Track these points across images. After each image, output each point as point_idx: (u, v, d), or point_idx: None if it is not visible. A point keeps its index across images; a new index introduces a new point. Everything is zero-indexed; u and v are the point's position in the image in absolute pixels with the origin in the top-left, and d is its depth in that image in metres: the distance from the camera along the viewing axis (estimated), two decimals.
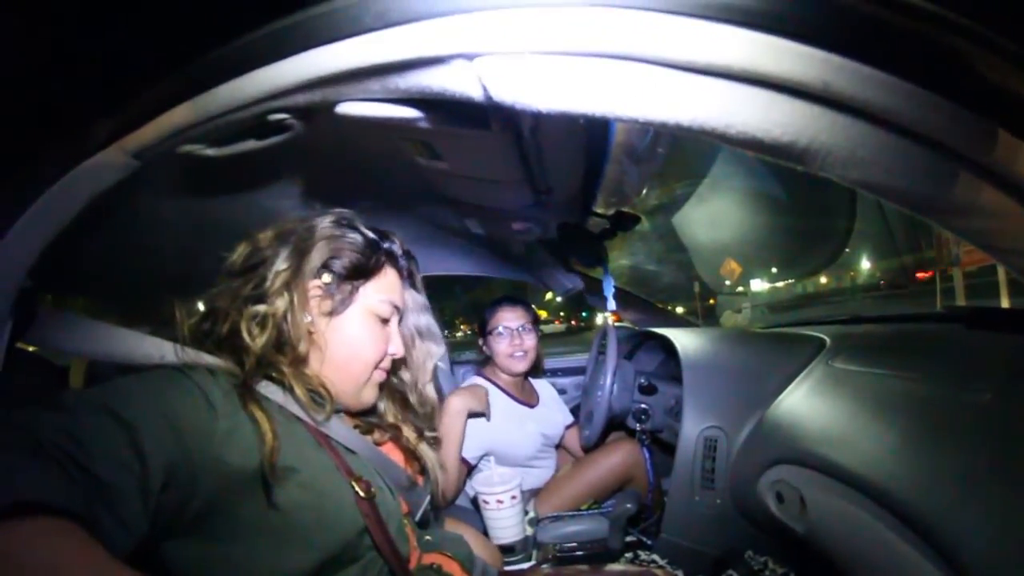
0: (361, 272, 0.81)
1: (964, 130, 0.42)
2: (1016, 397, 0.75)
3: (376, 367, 0.83)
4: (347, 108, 0.64)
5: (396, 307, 0.86)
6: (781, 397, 1.20)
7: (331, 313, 0.79)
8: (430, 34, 0.47)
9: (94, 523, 0.48)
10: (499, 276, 2.15)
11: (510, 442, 1.66)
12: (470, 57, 0.46)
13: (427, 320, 0.97)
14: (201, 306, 0.78)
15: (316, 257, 0.77)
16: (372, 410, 0.89)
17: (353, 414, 0.87)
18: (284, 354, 0.74)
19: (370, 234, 0.84)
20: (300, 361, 0.76)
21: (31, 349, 0.98)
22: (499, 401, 1.69)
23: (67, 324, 0.82)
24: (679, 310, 4.05)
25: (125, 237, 0.99)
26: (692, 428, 1.30)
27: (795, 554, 1.14)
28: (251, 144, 0.81)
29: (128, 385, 0.61)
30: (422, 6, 0.46)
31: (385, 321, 0.84)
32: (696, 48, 0.40)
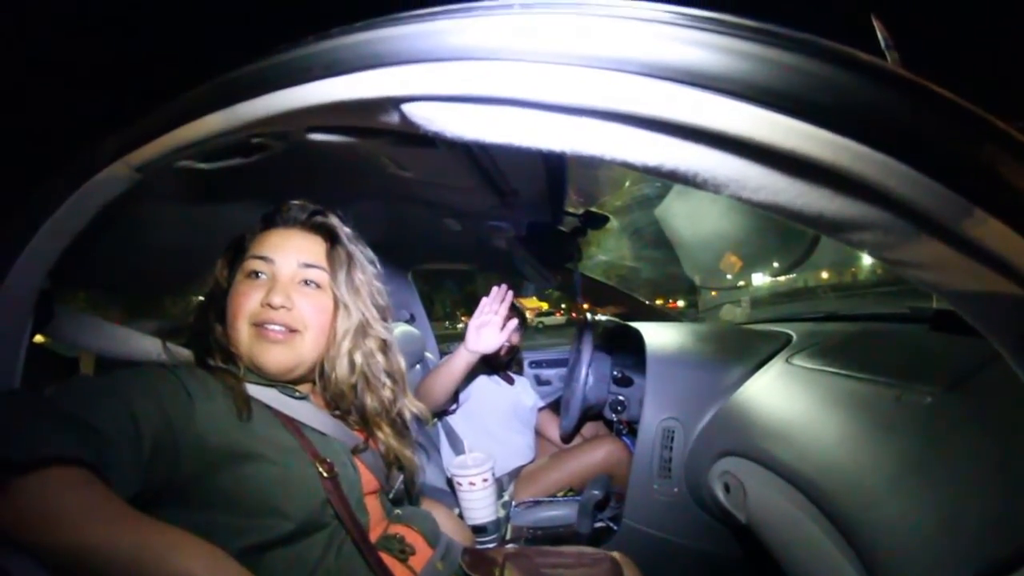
0: (239, 248, 0.92)
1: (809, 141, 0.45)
2: (955, 401, 0.79)
3: (250, 320, 0.85)
4: (314, 135, 0.74)
5: (263, 257, 0.87)
6: (738, 391, 1.25)
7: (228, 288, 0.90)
8: (366, 82, 0.56)
9: (101, 471, 0.62)
10: (485, 270, 2.25)
11: (485, 394, 1.83)
12: (396, 102, 0.56)
13: (357, 280, 0.94)
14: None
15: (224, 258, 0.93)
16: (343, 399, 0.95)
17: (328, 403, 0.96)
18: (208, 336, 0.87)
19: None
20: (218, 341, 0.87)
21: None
22: (482, 369, 1.86)
23: (81, 323, 0.93)
24: (680, 303, 4.06)
25: (128, 241, 1.10)
26: (651, 418, 1.37)
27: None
28: (238, 160, 0.91)
29: (126, 375, 0.75)
30: (359, 59, 0.55)
31: (255, 274, 0.87)
32: (564, 91, 0.48)
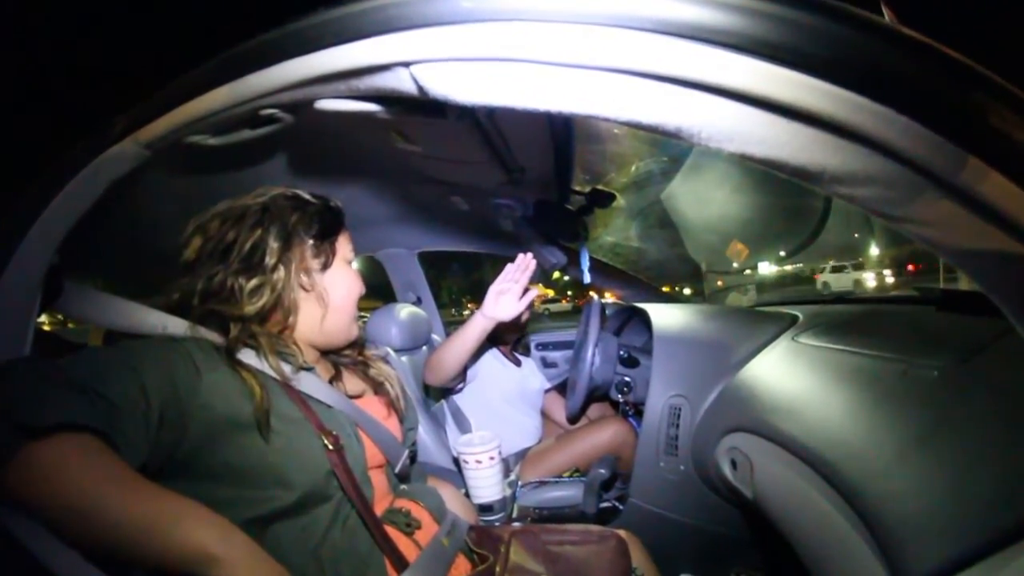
0: (334, 229, 0.97)
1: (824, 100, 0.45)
2: (961, 375, 0.79)
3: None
4: (324, 104, 0.74)
5: (354, 251, 1.01)
6: (744, 369, 1.25)
7: (324, 267, 0.94)
8: (375, 48, 0.56)
9: (111, 440, 0.63)
10: (490, 252, 2.25)
11: (492, 375, 1.84)
12: (407, 64, 0.56)
13: None
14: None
15: (300, 228, 0.91)
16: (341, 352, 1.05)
17: (328, 358, 1.02)
18: (265, 321, 0.87)
19: (320, 200, 0.97)
20: (279, 326, 0.90)
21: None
22: (489, 349, 1.88)
23: (88, 297, 0.94)
24: (687, 291, 4.06)
25: (137, 218, 1.11)
26: (658, 396, 1.38)
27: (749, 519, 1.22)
28: (247, 134, 0.92)
29: (136, 345, 0.76)
30: (368, 26, 0.56)
31: (350, 263, 0.99)
32: (570, 48, 0.48)
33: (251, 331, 0.83)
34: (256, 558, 0.63)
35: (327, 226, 0.95)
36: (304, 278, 0.91)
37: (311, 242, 0.92)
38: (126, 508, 0.59)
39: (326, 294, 0.93)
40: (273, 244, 0.87)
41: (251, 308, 0.84)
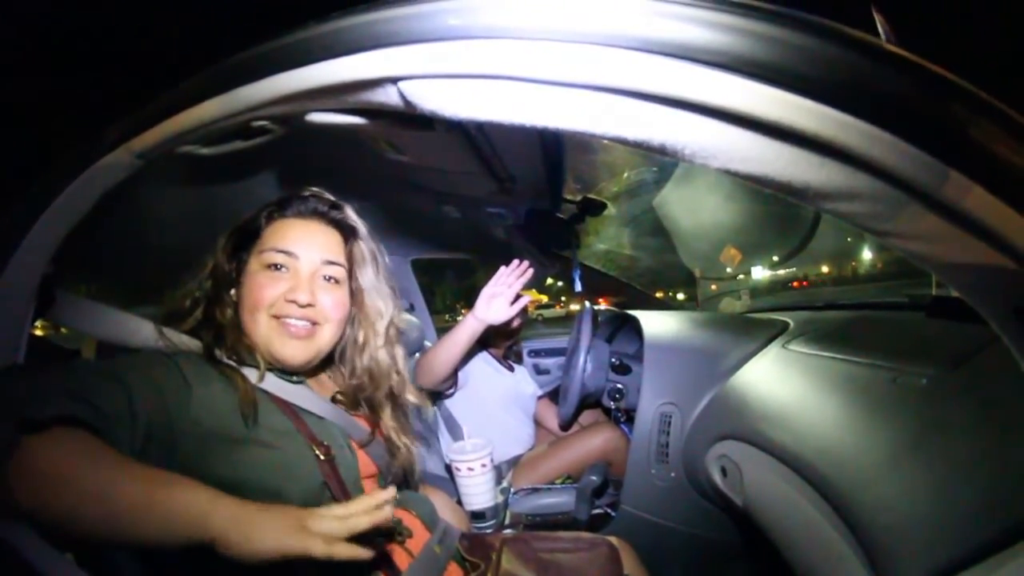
0: (247, 236, 0.91)
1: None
2: (951, 382, 0.80)
3: (269, 312, 0.85)
4: (313, 117, 0.75)
5: (285, 252, 0.87)
6: (735, 376, 1.26)
7: (239, 277, 0.90)
8: (364, 63, 0.57)
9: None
10: (484, 260, 2.26)
11: (486, 381, 1.83)
12: (395, 80, 0.57)
13: (374, 276, 0.98)
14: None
15: (227, 242, 0.91)
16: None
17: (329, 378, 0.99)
18: (222, 326, 0.87)
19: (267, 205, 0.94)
20: (233, 330, 0.87)
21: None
22: (482, 355, 1.88)
23: (82, 307, 0.94)
24: (680, 296, 4.06)
25: (131, 227, 1.11)
26: (649, 404, 1.38)
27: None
28: (239, 144, 0.92)
29: (125, 360, 0.77)
30: (357, 41, 0.57)
31: (275, 267, 0.87)
32: (557, 66, 0.49)
33: (224, 338, 0.84)
34: (245, 508, 0.62)
35: (241, 234, 0.92)
36: (232, 289, 0.90)
37: (227, 254, 0.91)
38: (122, 483, 0.59)
39: (240, 304, 0.88)
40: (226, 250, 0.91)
41: (219, 317, 0.86)
